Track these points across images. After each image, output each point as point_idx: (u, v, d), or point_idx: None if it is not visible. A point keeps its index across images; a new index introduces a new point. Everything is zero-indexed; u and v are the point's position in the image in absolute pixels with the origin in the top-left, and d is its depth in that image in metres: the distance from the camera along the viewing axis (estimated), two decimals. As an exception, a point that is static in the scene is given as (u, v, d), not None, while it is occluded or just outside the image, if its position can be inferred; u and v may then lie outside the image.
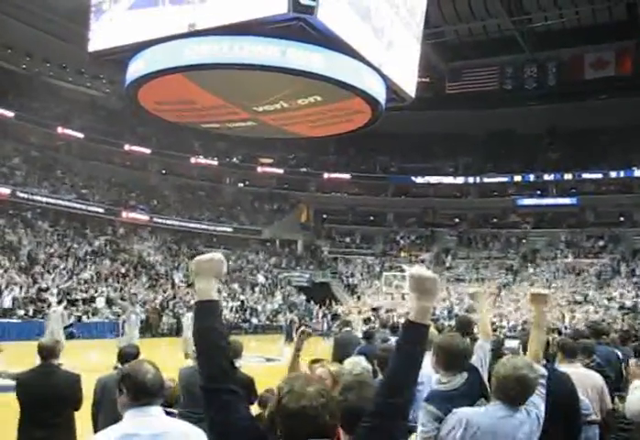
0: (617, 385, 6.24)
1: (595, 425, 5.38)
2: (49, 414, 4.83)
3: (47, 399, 4.82)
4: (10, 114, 36.68)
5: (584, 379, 5.41)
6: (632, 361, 6.17)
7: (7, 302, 24.45)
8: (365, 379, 3.30)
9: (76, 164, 40.71)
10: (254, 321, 32.75)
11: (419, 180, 46.42)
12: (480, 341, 4.72)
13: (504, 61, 38.49)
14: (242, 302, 34.39)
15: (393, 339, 8.48)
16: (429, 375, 5.13)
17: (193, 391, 5.30)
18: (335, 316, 31.72)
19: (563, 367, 5.46)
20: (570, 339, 6.21)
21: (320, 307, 35.85)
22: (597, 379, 5.52)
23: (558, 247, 41.85)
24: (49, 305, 25.46)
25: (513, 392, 3.10)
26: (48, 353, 5.12)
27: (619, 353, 6.93)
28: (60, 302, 21.20)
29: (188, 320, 18.00)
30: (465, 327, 7.48)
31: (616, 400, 5.79)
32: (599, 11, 33.61)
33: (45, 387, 4.91)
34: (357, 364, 4.48)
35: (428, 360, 5.30)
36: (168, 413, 4.08)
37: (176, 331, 25.77)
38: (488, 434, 3.08)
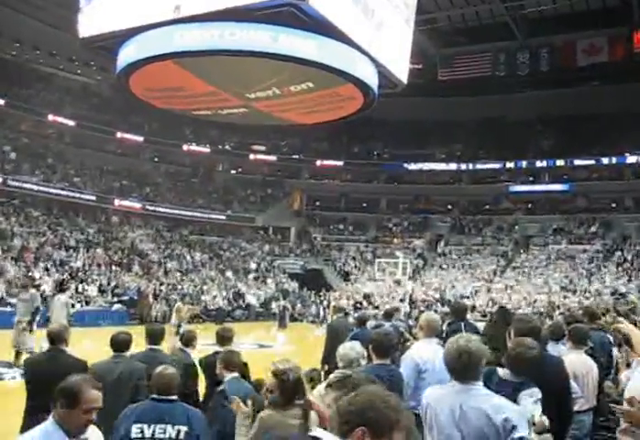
0: (607, 370, 6.28)
1: (589, 412, 5.44)
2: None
3: (53, 383, 4.80)
4: (0, 101, 36.42)
5: (587, 366, 5.47)
6: (616, 353, 6.23)
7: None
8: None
9: (68, 152, 40.49)
10: (249, 304, 32.84)
11: (411, 166, 46.37)
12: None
13: (497, 48, 38.36)
14: (237, 289, 34.43)
15: (387, 325, 8.52)
16: (433, 362, 5.16)
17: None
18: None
19: (573, 353, 5.52)
20: (580, 325, 6.22)
21: (316, 294, 35.87)
22: (596, 368, 5.58)
23: (551, 234, 41.97)
24: (42, 294, 25.50)
25: (458, 365, 3.15)
26: (55, 338, 5.16)
27: (610, 338, 6.97)
28: (64, 291, 21.00)
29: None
30: (459, 313, 7.53)
31: (608, 383, 5.83)
32: (591, -3, 33.56)
33: (51, 371, 4.90)
34: (351, 349, 4.50)
35: (432, 347, 5.35)
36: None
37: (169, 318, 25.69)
38: (436, 407, 3.20)
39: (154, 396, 3.97)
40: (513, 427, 2.96)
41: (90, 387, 3.02)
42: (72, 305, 18.07)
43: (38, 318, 12.77)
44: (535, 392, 3.73)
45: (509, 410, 3.05)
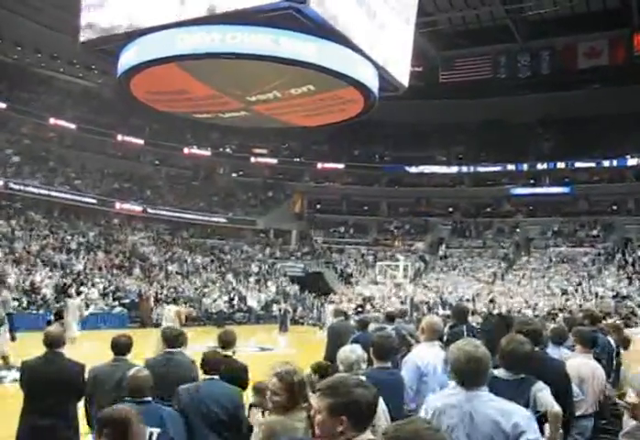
0: (608, 373, 6.27)
1: (591, 416, 5.44)
2: (52, 402, 4.85)
3: (50, 386, 4.85)
4: (2, 105, 36.48)
5: (593, 370, 5.47)
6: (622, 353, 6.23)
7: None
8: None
9: (69, 155, 40.52)
10: (250, 307, 32.84)
11: (413, 169, 46.40)
12: None
13: (498, 50, 38.42)
14: (238, 292, 34.41)
15: (390, 328, 8.50)
16: (434, 366, 5.15)
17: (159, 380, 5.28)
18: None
19: (580, 356, 5.52)
20: (585, 328, 6.22)
21: (316, 297, 35.85)
22: (602, 372, 5.58)
23: (552, 236, 41.96)
24: (44, 297, 25.53)
25: (465, 372, 3.14)
26: (53, 341, 5.14)
27: (612, 341, 6.96)
28: (78, 294, 21.27)
29: (170, 312, 16.45)
30: (461, 316, 7.51)
31: (608, 386, 5.82)
32: (592, -1, 33.59)
33: (49, 374, 4.94)
34: (352, 352, 4.49)
35: (434, 351, 5.34)
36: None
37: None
38: (443, 415, 3.15)
39: (127, 398, 3.95)
40: (522, 433, 2.95)
41: (139, 420, 2.95)
42: (87, 305, 18.22)
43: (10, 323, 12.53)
44: (544, 386, 3.75)
45: (518, 415, 3.03)
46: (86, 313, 16.04)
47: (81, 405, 5.23)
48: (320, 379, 4.31)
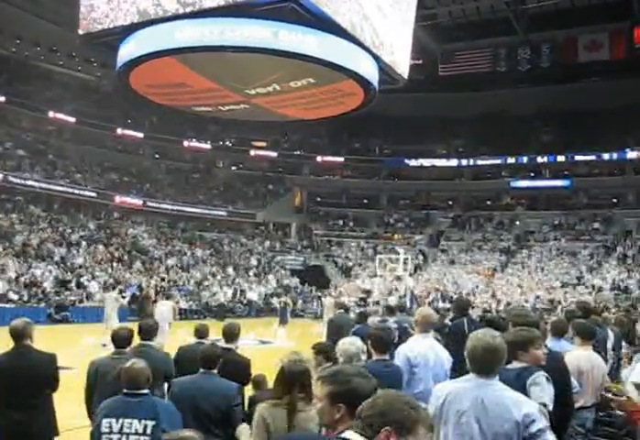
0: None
1: (592, 408, 5.45)
2: (26, 396, 4.82)
3: (22, 380, 4.81)
4: (1, 98, 36.41)
5: (593, 362, 5.49)
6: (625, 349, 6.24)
7: (1, 288, 24.37)
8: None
9: (68, 148, 40.49)
10: (250, 300, 32.88)
11: (412, 162, 46.34)
12: None
13: (498, 43, 38.28)
14: (237, 285, 34.43)
15: (392, 320, 8.53)
16: (425, 356, 5.17)
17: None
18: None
19: (580, 349, 5.54)
20: (583, 321, 6.23)
21: (316, 290, 35.88)
22: (602, 364, 5.60)
23: (551, 229, 41.96)
24: (44, 291, 25.55)
25: (480, 361, 3.20)
26: (19, 334, 5.04)
27: (610, 333, 6.98)
28: (113, 288, 21.59)
29: (165, 306, 14.90)
30: (462, 308, 7.53)
31: (606, 378, 5.85)
32: (593, -9, 33.44)
33: (19, 368, 4.88)
34: (351, 344, 4.51)
35: (427, 342, 5.35)
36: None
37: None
38: (454, 401, 3.22)
39: (124, 390, 3.95)
40: (533, 421, 3.02)
41: None
42: (123, 297, 18.92)
43: None
44: (540, 379, 3.76)
45: (528, 405, 3.10)
46: (122, 302, 17.14)
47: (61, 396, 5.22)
48: (326, 360, 4.37)
